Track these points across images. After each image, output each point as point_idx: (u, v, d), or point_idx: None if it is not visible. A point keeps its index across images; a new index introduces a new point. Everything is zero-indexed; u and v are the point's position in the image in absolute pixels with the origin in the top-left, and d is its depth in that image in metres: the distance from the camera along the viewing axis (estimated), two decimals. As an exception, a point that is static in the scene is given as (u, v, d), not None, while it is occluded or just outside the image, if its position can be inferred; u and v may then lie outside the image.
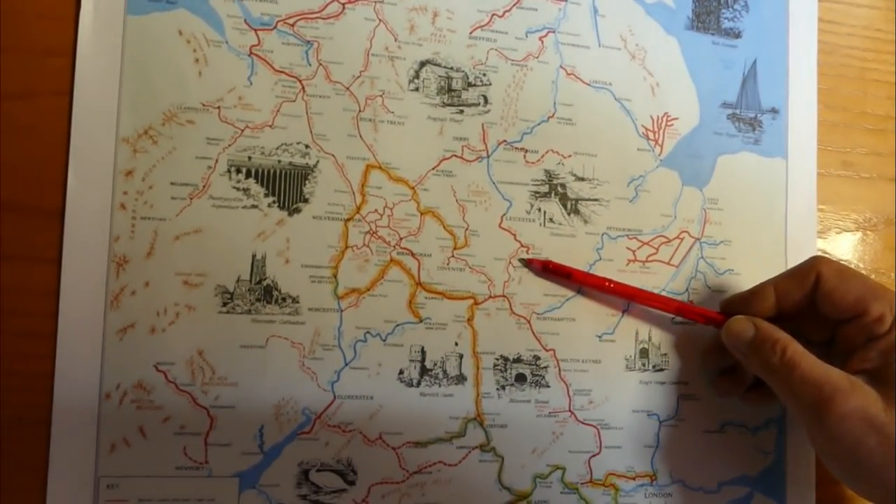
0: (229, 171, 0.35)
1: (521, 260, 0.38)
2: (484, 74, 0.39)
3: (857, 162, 0.44)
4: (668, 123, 0.41)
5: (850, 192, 0.44)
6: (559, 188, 0.39)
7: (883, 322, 0.35)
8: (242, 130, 0.36)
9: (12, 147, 0.34)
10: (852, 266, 0.43)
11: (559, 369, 0.39)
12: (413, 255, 0.37)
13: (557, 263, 0.38)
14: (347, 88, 0.37)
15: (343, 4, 0.37)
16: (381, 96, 0.37)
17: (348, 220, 0.37)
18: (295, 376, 0.35)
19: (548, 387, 0.38)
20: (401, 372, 0.37)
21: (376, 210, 0.37)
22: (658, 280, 0.40)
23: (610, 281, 0.38)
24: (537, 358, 0.38)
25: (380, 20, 0.37)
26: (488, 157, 0.38)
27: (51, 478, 0.33)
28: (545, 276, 0.39)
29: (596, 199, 0.40)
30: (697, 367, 0.41)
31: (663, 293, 0.40)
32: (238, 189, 0.35)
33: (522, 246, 0.38)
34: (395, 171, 0.37)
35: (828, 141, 0.44)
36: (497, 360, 0.38)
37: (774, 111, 0.43)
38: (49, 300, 0.33)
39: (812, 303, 0.37)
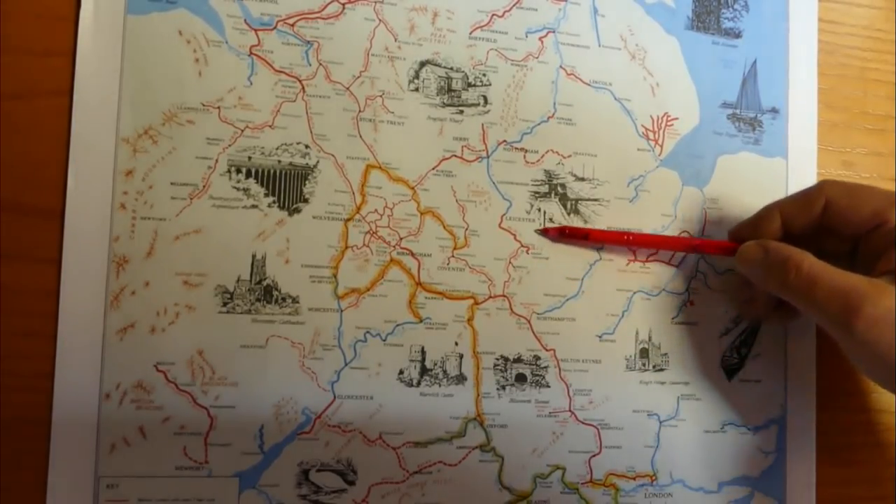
0: (229, 171, 0.35)
1: (538, 231, 0.38)
2: (484, 74, 0.39)
3: (857, 162, 0.44)
4: (668, 123, 0.41)
5: (851, 192, 0.44)
6: (559, 188, 0.39)
7: None
8: (242, 130, 0.36)
9: (12, 147, 0.34)
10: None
11: (559, 369, 0.39)
12: (413, 255, 0.37)
13: (574, 227, 0.38)
14: (347, 88, 0.37)
15: (343, 4, 0.37)
16: (381, 96, 0.37)
17: (348, 220, 0.37)
18: (295, 376, 0.35)
19: (548, 387, 0.38)
20: (401, 372, 0.37)
21: (376, 210, 0.37)
22: (658, 280, 0.40)
23: (628, 234, 0.39)
24: (537, 358, 0.38)
25: (380, 20, 0.37)
26: (488, 157, 0.38)
27: (51, 478, 0.33)
28: (563, 242, 0.39)
29: (596, 199, 0.40)
30: (698, 367, 0.41)
31: (663, 293, 0.40)
32: (238, 189, 0.35)
33: (522, 246, 0.38)
34: (395, 171, 0.37)
35: (828, 141, 0.44)
36: (497, 360, 0.38)
37: (774, 111, 0.43)
38: (49, 300, 0.33)
39: (823, 223, 0.36)
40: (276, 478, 0.35)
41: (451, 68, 0.38)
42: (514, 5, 0.39)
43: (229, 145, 0.35)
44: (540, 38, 0.39)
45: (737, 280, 0.40)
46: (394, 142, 0.37)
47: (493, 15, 0.39)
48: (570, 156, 0.39)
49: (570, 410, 0.39)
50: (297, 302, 0.36)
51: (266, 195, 0.36)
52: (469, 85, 0.38)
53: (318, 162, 0.36)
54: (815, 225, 0.36)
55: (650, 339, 0.40)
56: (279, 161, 0.36)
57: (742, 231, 0.38)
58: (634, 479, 0.39)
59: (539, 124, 0.39)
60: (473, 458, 0.37)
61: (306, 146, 0.36)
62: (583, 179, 0.40)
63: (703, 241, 0.39)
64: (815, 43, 0.44)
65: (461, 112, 0.38)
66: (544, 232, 0.38)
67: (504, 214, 0.38)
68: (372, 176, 0.37)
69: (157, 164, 0.35)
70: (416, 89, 0.38)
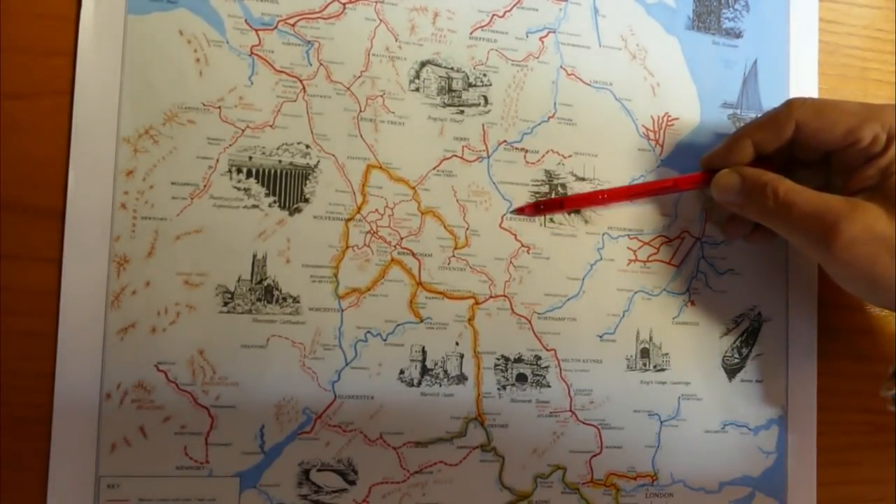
0: (230, 170, 0.35)
1: (513, 212, 0.38)
2: (484, 75, 0.39)
3: (858, 162, 0.44)
4: (669, 123, 0.41)
5: (851, 192, 0.44)
6: (559, 188, 0.39)
7: (877, 142, 0.34)
8: (243, 130, 0.36)
9: (12, 147, 0.34)
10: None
11: (560, 369, 0.39)
12: (414, 254, 0.37)
13: (547, 199, 0.38)
14: (348, 88, 0.37)
15: (344, 4, 0.37)
16: (381, 96, 0.37)
17: (349, 219, 0.37)
18: (295, 376, 0.35)
19: (549, 387, 0.38)
20: (401, 372, 0.37)
21: (377, 210, 0.37)
22: (659, 280, 0.40)
23: (602, 193, 0.39)
24: (538, 358, 0.38)
25: (380, 20, 0.37)
26: (488, 157, 0.38)
27: (51, 478, 0.33)
28: (542, 215, 0.39)
29: (596, 199, 0.40)
30: (699, 367, 0.41)
31: (664, 294, 0.40)
32: (239, 189, 0.35)
33: (523, 246, 0.38)
34: (395, 170, 0.37)
35: (828, 141, 0.44)
36: (498, 359, 0.38)
37: (775, 111, 0.43)
38: (49, 300, 0.33)
39: (794, 141, 0.36)
40: (277, 478, 0.35)
41: (452, 68, 0.38)
42: (514, 5, 0.39)
43: (230, 145, 0.35)
44: (540, 38, 0.39)
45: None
46: (394, 142, 0.37)
47: (494, 15, 0.39)
48: (570, 156, 0.39)
49: (570, 410, 0.39)
50: (298, 302, 0.36)
51: (267, 195, 0.36)
52: (469, 85, 0.38)
53: (318, 162, 0.36)
54: (787, 145, 0.36)
55: (651, 339, 0.40)
56: (280, 161, 0.36)
57: (714, 160, 0.38)
58: (635, 479, 0.39)
59: (539, 124, 0.39)
60: (474, 457, 0.37)
61: (307, 146, 0.36)
62: (583, 179, 0.40)
63: (677, 178, 0.39)
64: (815, 43, 0.44)
65: (462, 112, 0.38)
66: (520, 211, 0.38)
67: (504, 214, 0.38)
68: (372, 176, 0.37)
69: (158, 163, 0.35)
70: (417, 89, 0.38)
